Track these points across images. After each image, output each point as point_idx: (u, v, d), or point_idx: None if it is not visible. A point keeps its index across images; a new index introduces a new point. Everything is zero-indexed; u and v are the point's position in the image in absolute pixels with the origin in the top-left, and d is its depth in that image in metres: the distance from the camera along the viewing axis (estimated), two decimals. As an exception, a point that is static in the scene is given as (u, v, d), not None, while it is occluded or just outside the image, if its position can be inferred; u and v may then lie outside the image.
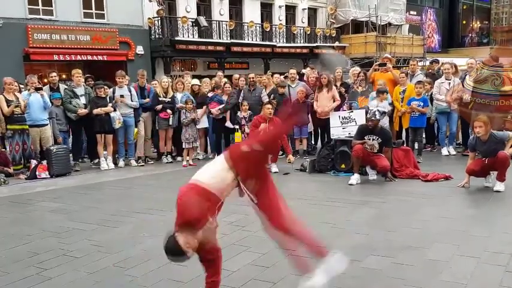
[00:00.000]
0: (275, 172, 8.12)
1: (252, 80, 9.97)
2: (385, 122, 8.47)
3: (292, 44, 26.75)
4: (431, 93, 9.44)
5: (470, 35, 39.90)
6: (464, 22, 40.00)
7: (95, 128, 8.97)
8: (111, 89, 9.35)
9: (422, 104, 8.64)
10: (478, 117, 6.35)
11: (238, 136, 9.24)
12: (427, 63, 11.82)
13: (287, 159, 8.03)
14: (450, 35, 39.55)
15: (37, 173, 8.25)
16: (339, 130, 8.40)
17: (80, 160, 9.59)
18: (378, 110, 7.10)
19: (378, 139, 7.07)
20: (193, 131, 9.27)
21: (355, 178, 7.05)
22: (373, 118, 7.03)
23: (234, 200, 5.97)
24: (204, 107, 9.67)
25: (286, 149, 8.13)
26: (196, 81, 10.43)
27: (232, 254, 4.09)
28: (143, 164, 9.49)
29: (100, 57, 19.76)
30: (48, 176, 8.26)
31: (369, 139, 7.10)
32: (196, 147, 10.02)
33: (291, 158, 8.03)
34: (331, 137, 8.59)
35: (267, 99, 9.66)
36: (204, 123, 9.82)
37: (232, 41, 23.74)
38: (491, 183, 6.36)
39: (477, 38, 39.77)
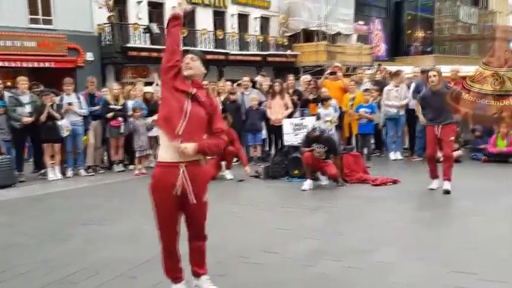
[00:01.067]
0: (230, 179, 8.12)
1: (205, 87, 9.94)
2: (332, 130, 8.69)
3: (245, 52, 26.91)
4: (379, 100, 9.75)
5: (415, 44, 41.48)
6: (409, 32, 41.53)
7: (41, 137, 8.66)
8: (59, 97, 9.08)
9: (370, 111, 8.89)
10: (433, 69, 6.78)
11: None
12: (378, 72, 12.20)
13: (244, 170, 8.06)
14: (396, 44, 40.93)
15: (-21, 184, 7.88)
16: (291, 137, 8.51)
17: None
18: (319, 127, 7.35)
19: (324, 147, 7.22)
20: (145, 139, 9.12)
21: (307, 184, 7.17)
22: (313, 133, 7.26)
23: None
24: (156, 115, 9.53)
25: (242, 161, 8.19)
26: (149, 88, 10.27)
27: (186, 263, 4.04)
28: (93, 173, 9.25)
29: (47, 64, 19.14)
30: (-9, 188, 7.90)
31: (316, 147, 7.24)
32: (150, 155, 9.87)
33: (248, 169, 8.08)
34: (285, 144, 8.69)
35: (220, 107, 9.69)
36: (155, 131, 9.68)
37: (185, 48, 23.57)
38: (436, 186, 6.64)
39: (421, 47, 41.34)
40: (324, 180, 7.42)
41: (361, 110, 8.93)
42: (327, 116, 8.64)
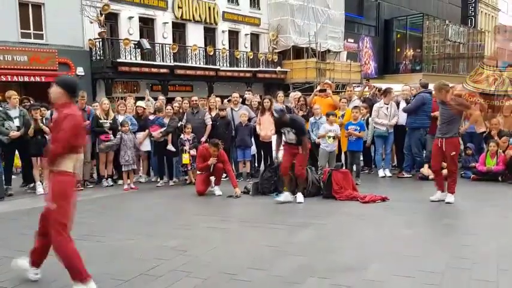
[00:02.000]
0: (219, 195, 8.11)
1: (194, 103, 9.99)
2: (333, 146, 8.78)
3: (235, 68, 27.10)
4: (367, 118, 9.83)
5: (404, 62, 42.05)
6: (398, 50, 42.14)
7: (30, 151, 8.61)
8: (49, 111, 9.05)
9: (359, 128, 8.96)
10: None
11: (185, 157, 9.19)
12: (367, 88, 12.34)
13: (234, 194, 7.96)
14: (385, 62, 41.51)
15: (-34, 198, 7.79)
16: (280, 153, 8.52)
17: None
18: (279, 108, 7.81)
19: (292, 130, 7.35)
20: (132, 153, 9.08)
21: (284, 196, 7.33)
22: (283, 116, 7.45)
23: (173, 224, 5.91)
24: (147, 130, 9.54)
25: (232, 182, 8.17)
26: (141, 103, 10.24)
27: (173, 280, 4.03)
28: (82, 188, 9.18)
29: (38, 78, 19.09)
30: (-22, 202, 7.80)
31: (285, 132, 7.44)
32: (137, 170, 9.85)
33: (238, 191, 7.97)
34: (274, 160, 8.71)
35: (210, 122, 9.72)
36: (146, 146, 9.68)
37: (176, 63, 23.71)
38: (437, 198, 7.02)
39: (410, 65, 41.93)
40: (299, 198, 7.39)
41: (350, 127, 8.99)
42: (331, 132, 8.76)
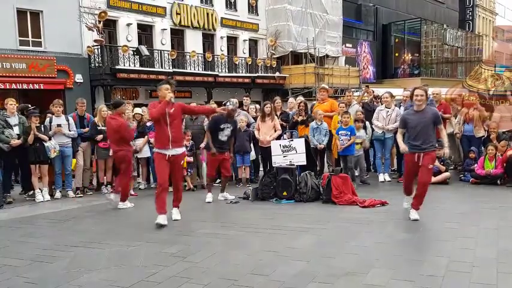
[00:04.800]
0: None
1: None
2: (360, 152, 8.99)
3: (234, 74, 27.12)
4: (364, 123, 9.83)
5: (402, 66, 42.16)
6: (396, 54, 42.27)
7: (29, 158, 8.61)
8: (48, 118, 9.07)
9: (349, 133, 8.96)
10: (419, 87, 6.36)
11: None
12: (366, 93, 12.37)
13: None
14: (384, 67, 41.60)
15: (-35, 207, 7.78)
16: (280, 158, 8.55)
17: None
18: (232, 102, 8.10)
19: (230, 127, 7.92)
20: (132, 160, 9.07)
21: (210, 197, 8.01)
22: (232, 110, 7.97)
23: (173, 230, 5.92)
24: (146, 136, 9.56)
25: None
26: (138, 110, 10.26)
27: (174, 287, 4.03)
28: (81, 195, 9.19)
29: (37, 86, 19.12)
30: (-23, 210, 7.79)
31: (223, 128, 7.92)
32: (136, 177, 9.84)
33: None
34: (273, 165, 8.73)
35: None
36: (145, 152, 9.69)
37: (175, 70, 23.74)
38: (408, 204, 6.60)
39: (409, 70, 42.03)
40: (230, 196, 8.17)
41: (341, 132, 9.02)
42: (357, 138, 8.93)
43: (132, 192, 9.02)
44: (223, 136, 7.93)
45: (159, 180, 6.65)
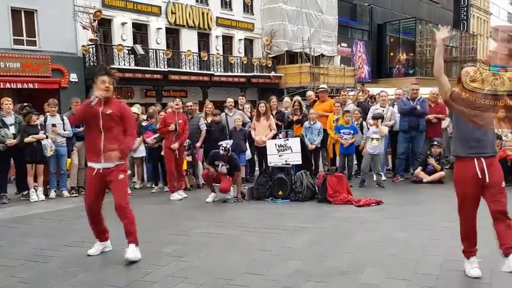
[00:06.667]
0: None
1: (189, 108, 9.99)
2: (381, 148, 8.97)
3: (229, 73, 27.13)
4: (361, 122, 9.86)
5: (397, 66, 42.29)
6: (391, 54, 42.41)
7: (25, 158, 8.58)
8: (43, 118, 9.03)
9: (352, 132, 9.01)
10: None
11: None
12: (361, 92, 12.41)
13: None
14: (379, 66, 41.72)
15: (-41, 207, 7.73)
16: (275, 158, 8.55)
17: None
18: (227, 144, 8.09)
19: (226, 165, 8.02)
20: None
21: (211, 196, 8.08)
22: (225, 153, 7.94)
23: (168, 230, 5.91)
24: (141, 136, 9.54)
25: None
26: (135, 109, 10.22)
27: (169, 286, 4.03)
28: (76, 194, 9.16)
29: (31, 85, 19.05)
30: (-29, 210, 7.76)
31: (218, 165, 8.04)
32: (132, 176, 9.82)
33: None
34: (269, 165, 8.73)
35: (205, 128, 9.70)
36: (141, 152, 9.67)
37: (170, 69, 23.72)
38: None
39: (404, 69, 42.17)
40: (210, 198, 8.11)
41: (342, 131, 9.06)
42: (375, 133, 8.90)
43: (128, 192, 8.99)
44: (219, 168, 8.11)
45: (85, 204, 5.18)
